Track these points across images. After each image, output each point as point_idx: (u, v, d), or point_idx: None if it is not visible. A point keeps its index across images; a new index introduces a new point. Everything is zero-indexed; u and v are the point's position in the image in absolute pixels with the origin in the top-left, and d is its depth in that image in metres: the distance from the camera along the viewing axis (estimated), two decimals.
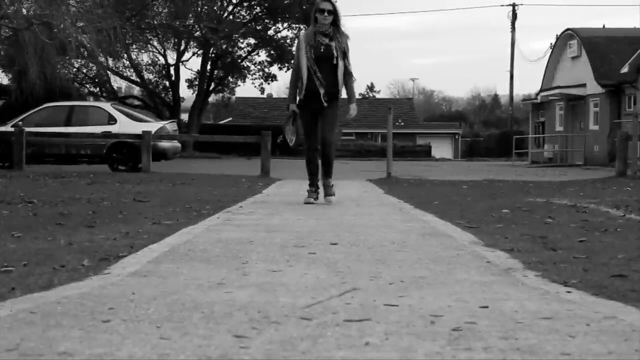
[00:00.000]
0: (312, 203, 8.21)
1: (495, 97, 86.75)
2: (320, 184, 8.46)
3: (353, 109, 8.42)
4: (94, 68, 36.36)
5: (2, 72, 33.50)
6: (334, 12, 8.21)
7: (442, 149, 54.69)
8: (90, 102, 26.68)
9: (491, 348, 2.24)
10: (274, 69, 39.80)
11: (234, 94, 45.21)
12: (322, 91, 8.16)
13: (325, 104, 8.21)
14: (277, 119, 45.72)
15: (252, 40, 38.95)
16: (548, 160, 34.63)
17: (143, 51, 38.35)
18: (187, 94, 43.32)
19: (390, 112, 16.61)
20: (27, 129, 17.39)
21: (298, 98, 8.37)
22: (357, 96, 8.87)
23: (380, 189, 11.62)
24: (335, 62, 8.19)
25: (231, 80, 41.12)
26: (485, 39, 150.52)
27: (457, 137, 59.80)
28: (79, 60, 33.01)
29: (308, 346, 2.24)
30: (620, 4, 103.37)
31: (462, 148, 58.57)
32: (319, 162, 8.42)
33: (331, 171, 8.48)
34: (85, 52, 25.71)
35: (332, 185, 8.49)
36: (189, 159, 28.78)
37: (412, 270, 3.75)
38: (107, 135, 18.60)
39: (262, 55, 39.78)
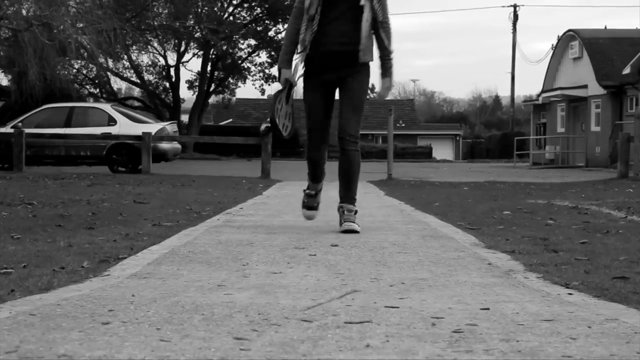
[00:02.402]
0: (314, 218, 5.96)
1: (497, 99, 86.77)
2: (320, 197, 5.94)
3: (386, 86, 5.60)
4: (94, 69, 36.36)
5: (2, 73, 33.52)
6: None
7: (443, 151, 54.72)
8: (90, 104, 26.72)
9: (492, 350, 2.23)
10: (275, 70, 39.81)
11: (234, 95, 45.23)
12: (325, 49, 5.38)
13: (343, 72, 5.41)
14: None
15: (252, 42, 39.01)
16: (549, 162, 34.62)
17: (143, 52, 38.45)
18: (187, 95, 43.40)
19: (391, 113, 16.62)
20: (27, 130, 17.40)
21: (295, 62, 5.52)
22: None
23: (381, 191, 11.62)
24: (360, 2, 5.32)
25: (231, 81, 41.18)
26: (486, 40, 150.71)
27: (458, 138, 59.83)
28: (79, 62, 33.01)
29: (308, 348, 2.23)
30: (622, 4, 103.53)
31: (463, 149, 58.60)
32: (326, 156, 5.80)
33: (355, 190, 5.63)
34: (85, 53, 25.72)
35: (356, 210, 5.65)
36: (189, 160, 28.78)
37: (412, 272, 3.74)
38: (107, 136, 18.61)
39: (263, 57, 39.90)
